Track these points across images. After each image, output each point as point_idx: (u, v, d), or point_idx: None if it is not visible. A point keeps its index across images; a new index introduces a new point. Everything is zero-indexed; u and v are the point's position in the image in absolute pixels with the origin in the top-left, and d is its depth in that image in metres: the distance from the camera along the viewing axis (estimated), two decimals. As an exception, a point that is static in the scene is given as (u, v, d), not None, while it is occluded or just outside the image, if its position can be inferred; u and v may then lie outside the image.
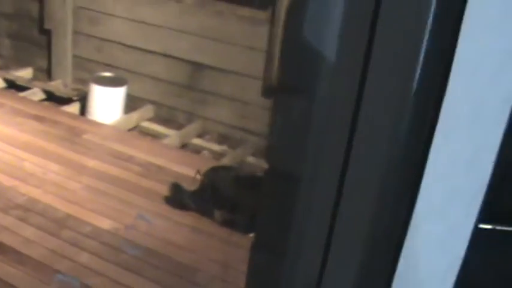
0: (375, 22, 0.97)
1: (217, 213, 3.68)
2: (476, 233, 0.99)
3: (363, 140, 1.05)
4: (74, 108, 5.28)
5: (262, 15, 4.72)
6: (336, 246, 1.17)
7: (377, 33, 0.98)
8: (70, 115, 5.06)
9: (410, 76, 0.97)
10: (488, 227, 0.99)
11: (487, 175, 0.97)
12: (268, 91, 4.81)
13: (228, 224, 3.62)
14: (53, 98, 5.48)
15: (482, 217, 0.99)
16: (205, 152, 4.92)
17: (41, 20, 5.72)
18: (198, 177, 3.90)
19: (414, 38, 0.95)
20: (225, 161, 4.67)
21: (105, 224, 3.53)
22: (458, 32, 0.90)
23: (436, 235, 1.03)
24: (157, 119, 5.38)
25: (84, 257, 3.21)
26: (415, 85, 0.98)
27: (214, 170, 3.97)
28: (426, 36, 0.94)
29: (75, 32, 5.61)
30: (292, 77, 1.32)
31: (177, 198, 3.88)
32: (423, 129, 1.00)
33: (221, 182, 3.78)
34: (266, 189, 1.46)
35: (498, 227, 1.00)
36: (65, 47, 5.64)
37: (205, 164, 4.46)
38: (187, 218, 3.68)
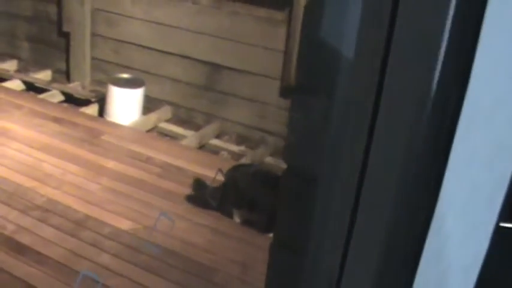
0: (393, 20, 0.97)
1: (236, 213, 3.68)
2: (498, 231, 0.98)
3: (382, 139, 1.05)
4: (92, 109, 5.31)
5: (279, 15, 4.72)
6: (355, 245, 1.17)
7: (396, 30, 0.98)
8: (88, 116, 5.08)
9: (430, 74, 0.96)
10: (510, 225, 0.98)
11: (508, 172, 0.97)
12: (286, 91, 4.81)
13: (246, 223, 3.62)
14: (72, 100, 5.52)
15: (504, 216, 0.98)
16: (223, 153, 4.93)
17: (59, 22, 5.77)
18: (219, 176, 3.91)
19: (433, 34, 0.95)
20: (245, 161, 4.67)
21: (124, 224, 3.54)
22: (480, 27, 0.89)
23: (458, 233, 1.03)
24: (175, 120, 5.40)
25: (103, 258, 3.23)
26: (434, 83, 0.97)
27: (235, 169, 3.96)
28: (446, 33, 0.93)
29: (93, 34, 5.65)
30: (310, 77, 1.32)
31: (199, 196, 3.88)
32: (444, 127, 0.99)
33: (241, 180, 3.77)
34: (284, 189, 1.46)
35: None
36: (83, 49, 5.68)
37: (225, 164, 4.46)
38: (206, 219, 3.69)
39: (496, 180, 0.99)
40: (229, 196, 3.74)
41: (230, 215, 3.71)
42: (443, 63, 0.95)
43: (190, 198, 3.88)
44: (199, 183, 3.99)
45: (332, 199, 1.21)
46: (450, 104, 0.99)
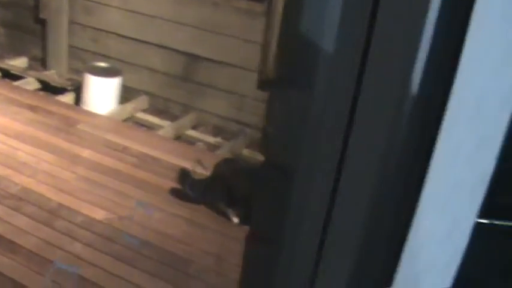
0: (374, 14, 0.97)
1: (232, 213, 3.62)
2: (477, 227, 0.99)
3: (360, 134, 1.05)
4: (68, 98, 5.26)
5: (259, 7, 4.71)
6: (332, 239, 1.17)
7: (377, 25, 0.97)
8: (64, 105, 5.04)
9: (411, 69, 0.96)
10: (488, 221, 0.99)
11: (489, 169, 0.97)
12: (263, 84, 4.80)
13: (244, 222, 3.54)
14: (48, 88, 5.46)
15: (483, 212, 0.99)
16: (200, 144, 4.92)
17: (36, 9, 5.70)
18: (198, 168, 3.86)
19: (415, 30, 0.95)
20: (221, 153, 4.67)
21: (98, 214, 3.52)
22: (466, 26, 0.89)
23: (439, 230, 1.03)
24: (152, 110, 5.37)
25: (77, 247, 3.20)
26: (415, 79, 0.97)
27: (223, 164, 3.91)
28: (428, 29, 0.94)
29: (71, 22, 5.59)
30: (289, 70, 1.32)
31: (186, 190, 3.85)
32: (427, 123, 0.99)
33: (231, 177, 3.69)
34: (261, 181, 1.45)
35: (497, 222, 1.00)
36: (60, 37, 5.62)
37: (201, 155, 4.45)
38: (182, 210, 3.67)
39: (477, 177, 0.99)
40: (217, 191, 3.68)
41: (216, 209, 3.66)
42: (428, 59, 0.95)
43: (174, 192, 3.85)
44: (185, 179, 3.95)
45: (309, 192, 1.21)
46: (433, 101, 0.99)
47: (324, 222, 1.16)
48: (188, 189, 3.81)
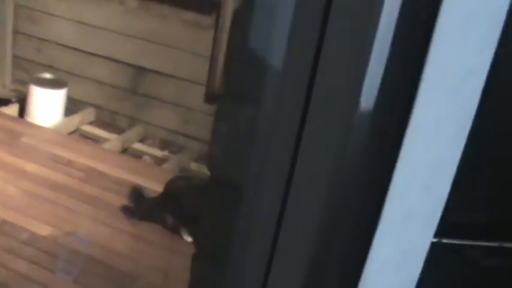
0: (323, 32, 0.96)
1: (184, 231, 3.57)
2: (431, 248, 0.98)
3: (309, 152, 1.04)
4: (12, 109, 5.14)
5: (207, 20, 4.70)
6: (279, 258, 1.16)
7: (325, 42, 0.96)
8: (8, 117, 4.92)
9: (359, 88, 0.96)
10: (440, 240, 0.99)
11: (445, 193, 0.97)
12: (211, 97, 4.78)
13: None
14: (-10, 99, 5.34)
15: (436, 232, 0.98)
16: (146, 157, 4.86)
17: (-21, 18, 5.58)
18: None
19: (364, 48, 0.94)
20: (168, 167, 4.62)
21: (43, 230, 3.44)
22: (426, 44, 0.89)
23: (394, 258, 1.02)
24: (98, 122, 5.29)
25: (20, 265, 3.12)
26: (367, 97, 0.97)
27: (175, 181, 3.85)
28: (381, 48, 0.93)
29: (15, 31, 5.48)
30: (237, 85, 1.30)
31: (137, 208, 3.78)
32: (381, 145, 0.99)
33: (185, 195, 3.64)
34: (208, 198, 1.43)
35: (447, 241, 1.00)
36: (4, 46, 5.50)
37: (148, 169, 4.40)
38: (128, 226, 3.62)
39: (433, 203, 0.98)
40: (169, 209, 3.61)
41: (167, 227, 3.60)
42: (382, 80, 0.94)
43: (126, 211, 3.77)
44: (137, 197, 3.85)
45: (257, 209, 1.19)
46: (388, 122, 0.98)
47: (272, 241, 1.15)
48: (138, 206, 3.74)
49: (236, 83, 1.31)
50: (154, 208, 3.69)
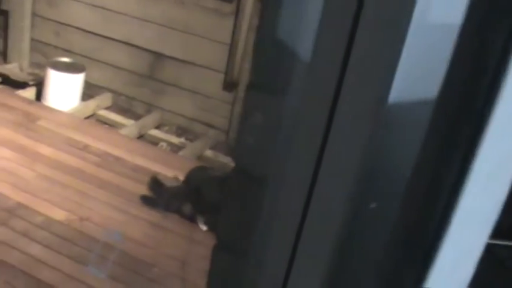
0: (356, 20, 0.93)
1: (201, 220, 3.57)
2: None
3: (336, 145, 1.01)
4: (29, 93, 5.14)
5: (227, 7, 4.67)
6: (303, 251, 1.14)
7: (358, 32, 0.94)
8: (25, 100, 4.92)
9: (389, 82, 0.93)
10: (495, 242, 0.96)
11: (504, 194, 0.94)
12: (229, 85, 4.76)
13: (213, 229, 3.47)
14: (8, 82, 5.33)
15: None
16: (163, 144, 4.85)
17: (-2, 0, 5.57)
18: (175, 178, 3.75)
19: (396, 41, 0.91)
20: (184, 153, 4.61)
21: (58, 214, 3.43)
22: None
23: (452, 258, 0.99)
24: (115, 108, 5.28)
25: (35, 249, 3.12)
26: (395, 91, 0.94)
27: (196, 172, 3.81)
28: (410, 40, 0.90)
29: (34, 14, 5.47)
30: (264, 75, 1.28)
31: (157, 199, 3.75)
32: (407, 138, 0.96)
33: (205, 185, 3.61)
34: (232, 189, 1.41)
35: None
36: (22, 30, 5.49)
37: (164, 156, 4.39)
38: (145, 212, 3.61)
39: (492, 203, 0.96)
40: (187, 198, 3.59)
41: (189, 218, 3.58)
42: (416, 72, 0.91)
43: (146, 201, 3.75)
44: (156, 187, 3.84)
45: (281, 201, 1.17)
46: (413, 117, 0.96)
47: (296, 234, 1.13)
48: (158, 196, 3.71)
49: (263, 73, 1.28)
50: (174, 198, 3.66)
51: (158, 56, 5.03)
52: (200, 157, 4.71)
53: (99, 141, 4.35)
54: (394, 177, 1.08)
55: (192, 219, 3.55)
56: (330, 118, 1.01)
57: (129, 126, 4.92)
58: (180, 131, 5.06)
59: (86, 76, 5.10)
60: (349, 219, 1.08)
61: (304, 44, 1.05)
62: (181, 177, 3.83)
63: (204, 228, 3.51)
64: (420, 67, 0.97)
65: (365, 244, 1.14)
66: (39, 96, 5.10)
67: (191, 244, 3.38)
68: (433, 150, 0.99)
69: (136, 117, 5.12)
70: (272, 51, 1.21)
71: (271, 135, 1.24)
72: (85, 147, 4.23)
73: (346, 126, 1.00)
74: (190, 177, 3.72)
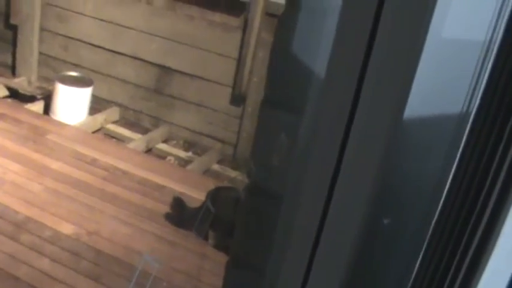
0: (372, 39, 0.93)
1: (211, 235, 3.55)
2: None
3: (352, 162, 1.01)
4: (37, 107, 5.15)
5: (235, 21, 4.68)
6: (318, 269, 1.13)
7: (374, 48, 0.94)
8: (33, 114, 4.93)
9: (403, 105, 0.93)
10: None
11: None
12: (237, 99, 4.76)
13: (220, 248, 3.47)
14: (17, 96, 5.34)
15: None
16: (170, 158, 4.85)
17: (7, 14, 5.59)
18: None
19: (411, 59, 0.91)
20: (192, 167, 4.61)
21: (66, 228, 3.43)
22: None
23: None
24: (122, 122, 5.29)
25: (43, 263, 3.11)
26: (410, 111, 0.94)
27: (217, 190, 3.80)
28: (425, 61, 0.90)
29: (42, 29, 5.50)
30: (279, 92, 1.28)
31: (178, 216, 3.76)
32: (426, 155, 0.96)
33: (221, 205, 3.60)
34: (246, 205, 1.41)
35: None
36: (31, 44, 5.52)
37: (171, 170, 4.40)
38: (151, 225, 3.61)
39: None
40: (206, 218, 3.59)
41: (205, 237, 3.57)
42: (433, 92, 0.92)
43: (169, 217, 3.74)
44: (178, 205, 3.84)
45: (296, 218, 1.17)
46: (430, 136, 0.96)
47: (311, 251, 1.12)
48: (187, 217, 3.70)
49: (277, 90, 1.28)
50: (194, 217, 3.65)
51: (166, 70, 5.04)
52: (207, 171, 4.71)
53: (106, 155, 4.35)
54: (408, 193, 1.08)
55: (220, 248, 3.52)
56: (345, 135, 1.01)
57: (137, 140, 4.93)
58: (188, 145, 5.06)
59: (94, 90, 5.11)
60: (364, 235, 1.08)
61: (319, 61, 1.05)
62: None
63: (211, 242, 3.50)
64: (438, 83, 0.97)
65: (379, 260, 1.13)
66: (47, 110, 5.11)
67: (197, 258, 3.37)
68: (451, 167, 0.99)
69: (143, 131, 5.13)
70: (287, 67, 1.22)
71: (285, 150, 1.24)
72: (93, 161, 4.23)
73: (362, 143, 1.00)
74: (210, 197, 3.70)
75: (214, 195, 3.67)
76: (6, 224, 3.36)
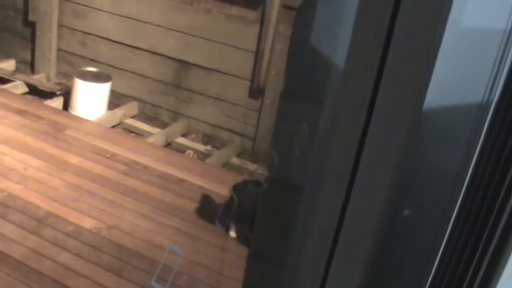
0: (391, 28, 0.93)
1: (233, 228, 3.56)
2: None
3: (372, 153, 1.01)
4: (57, 102, 5.19)
5: (252, 15, 4.67)
6: (339, 259, 1.13)
7: (393, 38, 0.93)
8: (53, 110, 4.96)
9: (423, 94, 0.93)
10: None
11: None
12: (255, 92, 4.76)
13: (242, 241, 3.47)
14: (36, 92, 5.38)
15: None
16: (189, 152, 4.87)
17: (25, 11, 5.63)
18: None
19: (430, 48, 0.91)
20: (211, 161, 4.61)
21: (87, 223, 3.45)
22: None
23: None
24: (141, 116, 5.31)
25: (65, 257, 3.14)
26: (430, 99, 0.94)
27: (243, 185, 3.79)
28: (444, 50, 0.90)
29: (60, 25, 5.52)
30: (299, 84, 1.28)
31: (207, 211, 3.77)
32: (445, 144, 0.95)
33: (245, 199, 3.59)
34: (267, 198, 1.41)
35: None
36: (49, 40, 5.55)
37: (190, 163, 4.41)
38: (172, 220, 3.62)
39: None
40: (231, 209, 3.59)
41: (227, 230, 3.58)
42: (452, 83, 0.91)
43: (199, 212, 3.75)
44: (206, 200, 3.86)
45: (317, 210, 1.16)
46: (450, 124, 0.95)
47: (332, 242, 1.12)
48: (214, 212, 3.71)
49: (297, 80, 1.28)
50: (219, 210, 3.66)
51: (184, 64, 5.05)
52: (226, 164, 4.72)
53: (126, 150, 4.37)
54: (429, 184, 1.07)
55: (242, 241, 3.52)
56: (366, 124, 1.00)
57: (156, 134, 4.95)
58: (206, 139, 5.07)
59: (112, 85, 5.13)
60: (384, 226, 1.08)
61: (338, 52, 1.05)
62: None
63: (233, 235, 3.50)
64: (458, 72, 0.97)
65: (399, 252, 1.13)
66: (66, 105, 5.15)
67: (218, 251, 3.38)
68: (472, 157, 0.98)
69: (162, 125, 5.15)
70: (307, 59, 1.21)
71: (305, 143, 1.24)
72: (112, 156, 4.25)
73: (382, 133, 1.00)
74: (235, 191, 3.70)
75: (240, 189, 3.67)
76: (28, 219, 3.39)
